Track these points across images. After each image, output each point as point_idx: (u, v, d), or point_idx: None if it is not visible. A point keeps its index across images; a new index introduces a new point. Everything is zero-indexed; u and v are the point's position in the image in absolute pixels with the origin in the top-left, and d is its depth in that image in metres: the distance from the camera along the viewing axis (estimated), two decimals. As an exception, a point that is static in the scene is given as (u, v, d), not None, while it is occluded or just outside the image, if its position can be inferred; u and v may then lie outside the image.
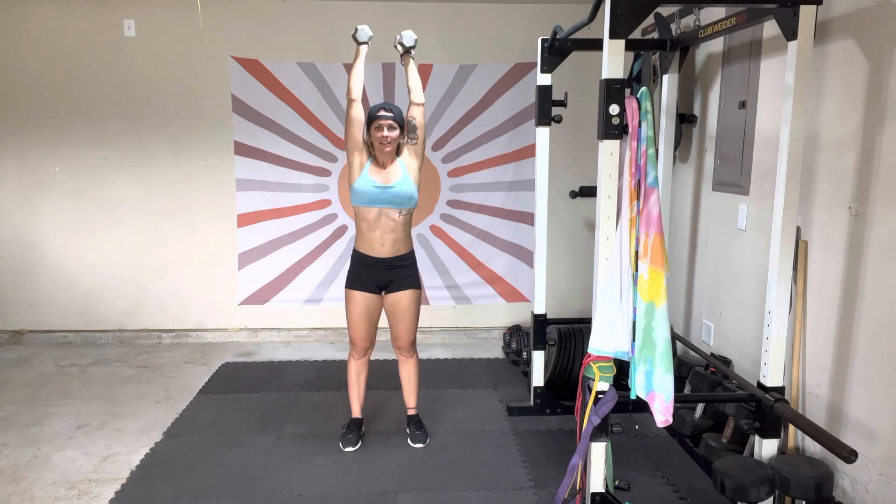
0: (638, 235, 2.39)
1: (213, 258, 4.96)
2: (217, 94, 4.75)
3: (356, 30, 3.09)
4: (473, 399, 3.90)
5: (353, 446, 3.24)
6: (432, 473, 3.03)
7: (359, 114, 3.04)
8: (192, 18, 4.61)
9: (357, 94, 3.03)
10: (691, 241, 3.94)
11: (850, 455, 2.10)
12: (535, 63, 3.45)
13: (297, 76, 4.75)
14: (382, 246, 3.07)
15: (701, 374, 3.28)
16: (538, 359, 3.65)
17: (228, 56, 4.71)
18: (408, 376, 3.36)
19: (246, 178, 4.88)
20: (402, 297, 3.16)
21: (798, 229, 2.76)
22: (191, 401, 3.86)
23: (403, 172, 3.06)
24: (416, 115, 3.09)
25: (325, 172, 4.90)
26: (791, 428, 2.79)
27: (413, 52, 3.13)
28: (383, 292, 3.18)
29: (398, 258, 3.12)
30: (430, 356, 4.68)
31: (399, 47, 3.14)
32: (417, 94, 3.10)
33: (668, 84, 3.62)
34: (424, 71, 4.77)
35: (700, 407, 3.33)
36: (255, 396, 3.92)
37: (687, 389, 3.42)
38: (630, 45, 3.55)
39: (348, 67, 4.70)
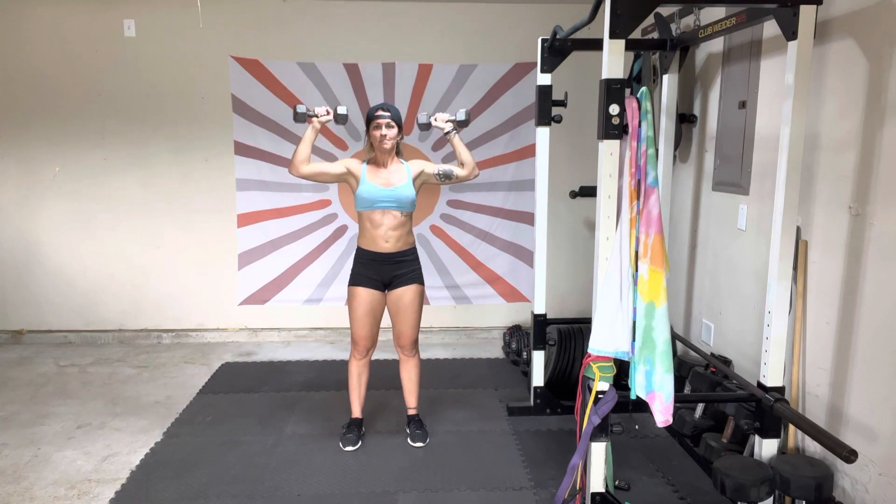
0: (638, 235, 2.40)
1: (213, 258, 4.96)
2: (217, 94, 4.75)
3: (304, 110, 3.15)
4: (473, 399, 3.90)
5: (353, 446, 3.24)
6: (432, 473, 3.03)
7: (321, 166, 3.20)
8: (192, 18, 4.61)
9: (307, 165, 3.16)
10: (691, 241, 3.94)
11: (850, 455, 2.10)
12: (535, 63, 3.45)
13: (297, 76, 4.75)
14: (386, 242, 3.10)
15: (701, 374, 3.28)
16: (538, 359, 3.65)
17: (228, 56, 4.71)
18: (409, 376, 3.36)
19: (246, 178, 4.87)
20: (406, 293, 3.17)
21: (798, 229, 2.76)
22: (191, 401, 3.86)
23: (408, 179, 3.09)
24: (459, 175, 3.16)
25: (325, 172, 4.89)
26: (791, 428, 2.79)
27: (458, 129, 3.18)
28: (386, 289, 3.19)
29: (402, 253, 3.15)
30: (431, 356, 4.68)
31: (448, 124, 3.16)
32: (469, 168, 3.17)
33: (668, 84, 3.62)
34: (424, 71, 4.77)
35: (700, 407, 3.33)
36: (255, 396, 3.92)
37: (687, 389, 3.42)
38: (630, 45, 3.55)
39: (348, 67, 4.73)
